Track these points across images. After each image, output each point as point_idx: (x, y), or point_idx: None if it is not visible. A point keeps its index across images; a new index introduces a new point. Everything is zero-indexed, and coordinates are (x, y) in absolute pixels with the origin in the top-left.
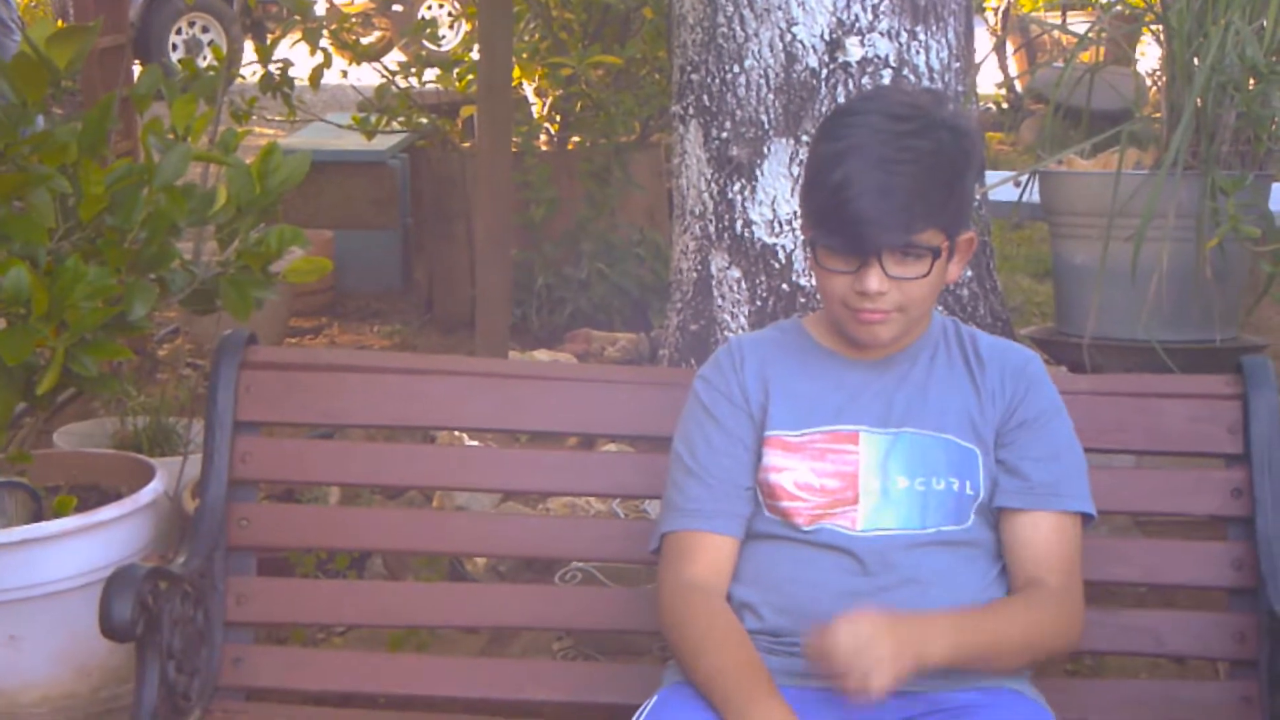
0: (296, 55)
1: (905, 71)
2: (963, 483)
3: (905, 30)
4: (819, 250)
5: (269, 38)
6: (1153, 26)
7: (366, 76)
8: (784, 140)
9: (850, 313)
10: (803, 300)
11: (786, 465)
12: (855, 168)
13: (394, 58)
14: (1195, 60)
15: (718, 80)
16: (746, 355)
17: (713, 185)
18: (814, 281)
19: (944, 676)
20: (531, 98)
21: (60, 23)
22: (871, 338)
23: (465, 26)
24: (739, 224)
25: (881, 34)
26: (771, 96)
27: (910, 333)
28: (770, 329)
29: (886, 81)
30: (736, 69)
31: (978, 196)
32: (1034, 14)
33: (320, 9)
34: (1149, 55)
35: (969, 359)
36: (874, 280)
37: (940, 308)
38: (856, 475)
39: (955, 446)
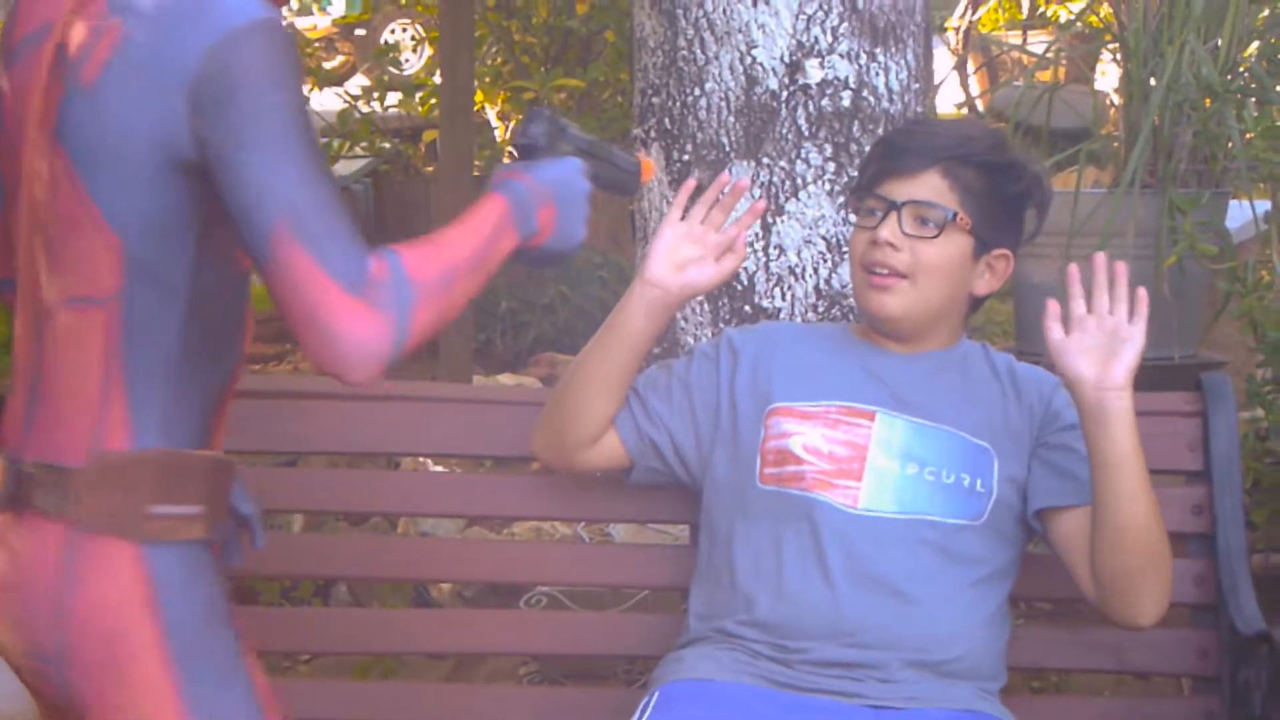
0: None
1: (865, 93)
2: (974, 479)
3: (865, 52)
4: (855, 210)
5: None
6: (1110, 46)
7: (329, 101)
8: (745, 162)
9: (865, 276)
10: (765, 322)
11: (798, 430)
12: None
13: (357, 82)
14: (1152, 80)
15: (679, 103)
16: (771, 341)
17: None
18: (776, 303)
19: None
20: (494, 121)
21: None
22: (880, 307)
23: (428, 51)
24: None
25: (841, 56)
26: (732, 119)
27: (924, 320)
28: (814, 324)
29: (846, 104)
30: (697, 92)
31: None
32: (994, 34)
33: None
34: (1108, 75)
35: (1000, 374)
36: (887, 228)
37: None
38: (867, 449)
39: (969, 444)
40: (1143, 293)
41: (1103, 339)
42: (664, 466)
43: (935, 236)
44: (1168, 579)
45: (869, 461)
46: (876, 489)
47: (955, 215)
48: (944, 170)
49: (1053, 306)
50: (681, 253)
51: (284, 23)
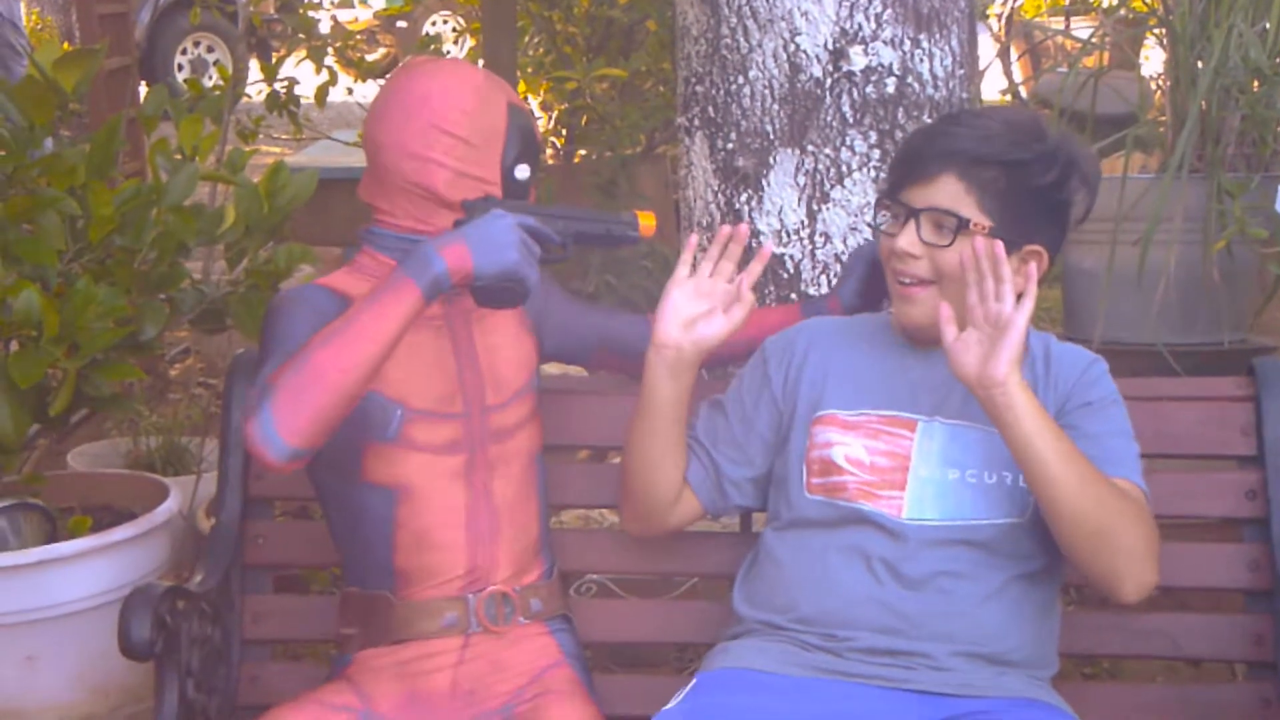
0: (302, 73)
1: (909, 80)
2: (1015, 475)
3: (909, 38)
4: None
5: (274, 56)
6: (1156, 30)
7: (372, 93)
8: (789, 150)
9: (894, 285)
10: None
11: (841, 440)
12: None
13: None
14: (1199, 63)
15: (722, 91)
16: (811, 341)
17: (719, 196)
18: (822, 291)
19: (968, 683)
20: (537, 112)
21: (66, 46)
22: (906, 317)
23: (469, 42)
24: None
25: (885, 42)
26: (776, 106)
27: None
28: (856, 316)
29: (891, 90)
30: (741, 80)
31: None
32: (1037, 20)
33: (325, 27)
34: (1153, 59)
35: (1035, 359)
36: (905, 237)
37: None
38: (909, 459)
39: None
40: (1031, 269)
41: (989, 330)
42: (752, 504)
43: (949, 245)
44: (1136, 552)
45: (911, 471)
46: (919, 498)
47: (969, 222)
48: (960, 173)
49: (945, 309)
50: (687, 310)
51: (294, 294)
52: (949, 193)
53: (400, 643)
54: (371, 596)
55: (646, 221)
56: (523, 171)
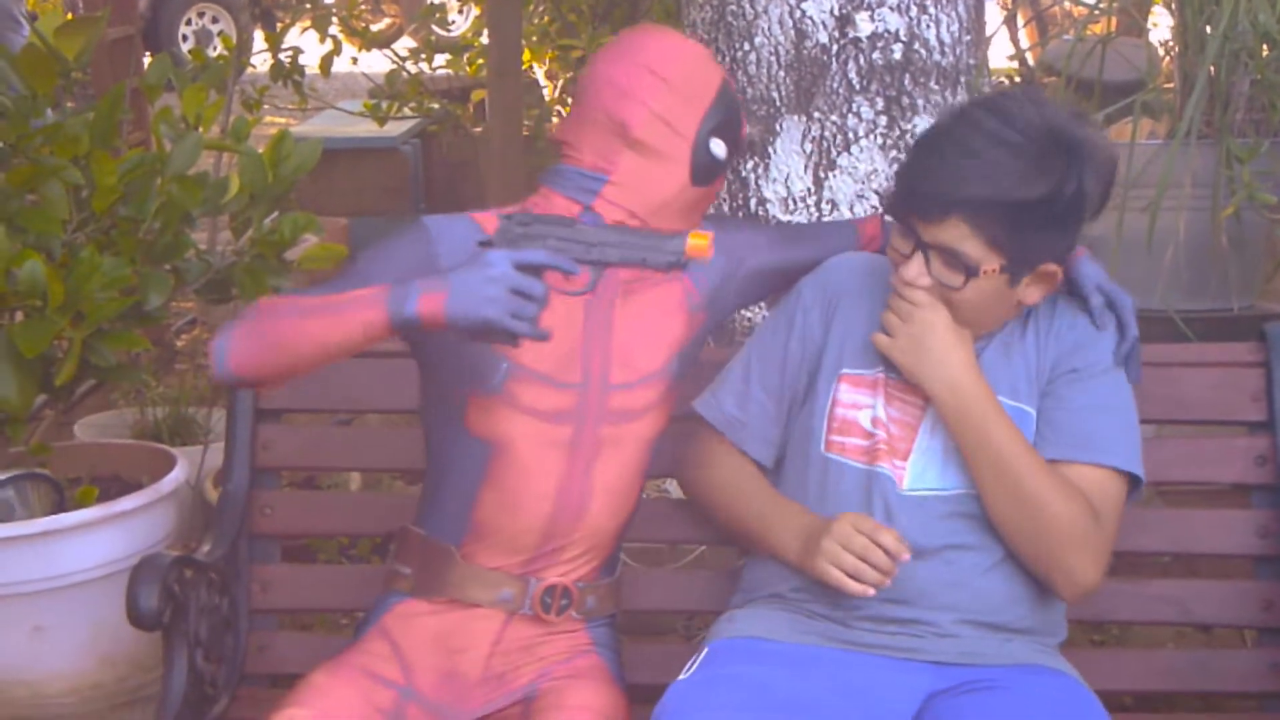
0: (306, 43)
1: (916, 46)
2: None
3: (915, 4)
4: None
5: (278, 26)
6: None
7: (377, 63)
8: (796, 117)
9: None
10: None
11: (867, 403)
12: (932, 136)
13: (404, 44)
14: (1208, 28)
15: (728, 58)
16: (840, 292)
17: None
18: None
19: (975, 653)
20: (542, 81)
21: (69, 15)
22: None
23: (474, 10)
24: (753, 202)
25: (891, 8)
26: (782, 74)
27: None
28: (879, 270)
29: (898, 57)
30: (747, 46)
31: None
32: None
33: None
34: (1161, 25)
35: (1040, 321)
36: (914, 268)
37: None
38: (918, 430)
39: (1007, 408)
40: None
41: None
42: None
43: (960, 287)
44: (1056, 557)
45: (917, 442)
46: (922, 468)
47: (979, 268)
48: (966, 216)
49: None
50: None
51: (420, 226)
52: (957, 233)
53: (447, 601)
54: (434, 544)
55: (696, 241)
56: (718, 146)
